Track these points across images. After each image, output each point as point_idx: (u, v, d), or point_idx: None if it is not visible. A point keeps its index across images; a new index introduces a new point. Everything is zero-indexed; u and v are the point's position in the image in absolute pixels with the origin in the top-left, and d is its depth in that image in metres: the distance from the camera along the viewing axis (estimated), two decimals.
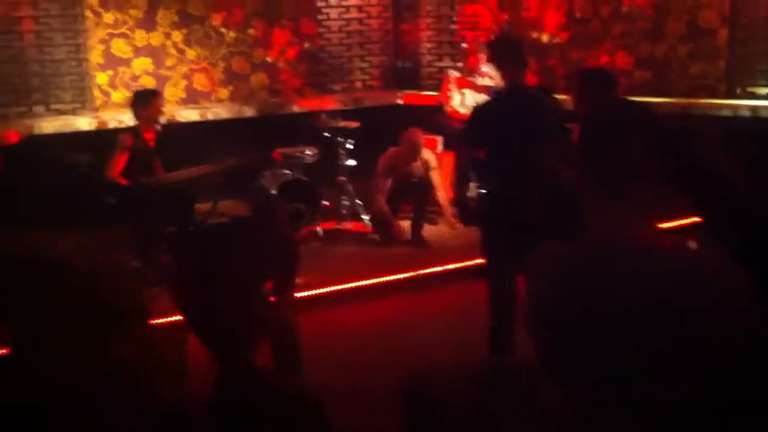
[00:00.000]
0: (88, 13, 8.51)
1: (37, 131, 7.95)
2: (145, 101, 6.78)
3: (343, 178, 7.71)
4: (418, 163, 7.58)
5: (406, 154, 7.53)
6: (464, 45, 9.01)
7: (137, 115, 6.72)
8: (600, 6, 8.56)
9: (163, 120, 7.04)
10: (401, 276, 6.47)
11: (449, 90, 7.96)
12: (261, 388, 1.99)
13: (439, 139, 8.30)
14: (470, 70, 7.96)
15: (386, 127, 8.59)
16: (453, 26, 9.45)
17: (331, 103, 8.89)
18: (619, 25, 8.47)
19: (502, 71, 4.82)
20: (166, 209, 6.74)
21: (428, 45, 9.74)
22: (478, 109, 5.01)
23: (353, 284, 6.29)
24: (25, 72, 8.39)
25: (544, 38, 8.99)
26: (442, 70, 9.28)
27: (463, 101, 7.90)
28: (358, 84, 9.79)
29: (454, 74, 8.04)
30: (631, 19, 8.38)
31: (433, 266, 6.62)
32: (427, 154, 7.60)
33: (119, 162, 6.57)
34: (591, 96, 4.40)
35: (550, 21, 8.88)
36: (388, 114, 9.05)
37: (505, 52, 4.77)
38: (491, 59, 5.38)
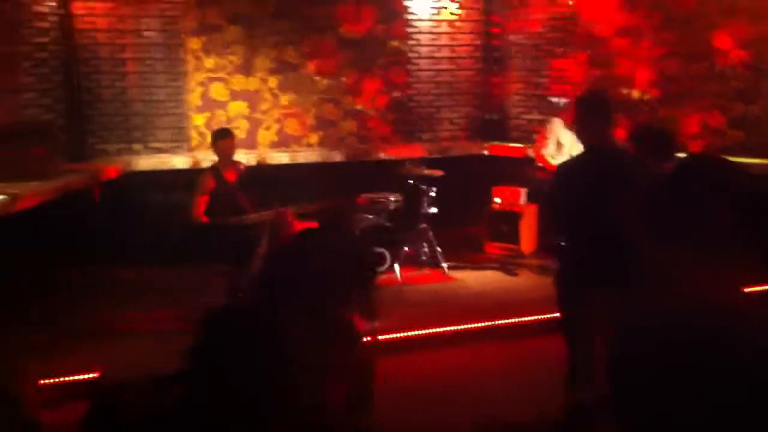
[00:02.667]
0: (190, 57, 8.91)
1: (134, 168, 8.31)
2: (213, 140, 7.07)
3: (425, 225, 7.79)
4: None
5: None
6: (554, 99, 9.03)
7: (215, 153, 7.00)
8: (692, 64, 8.47)
9: (251, 161, 7.29)
10: (479, 325, 6.45)
11: (546, 138, 7.93)
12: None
13: (523, 191, 8.32)
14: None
15: (471, 176, 8.68)
16: (542, 80, 9.52)
17: (418, 152, 9.02)
18: (711, 84, 8.36)
19: (588, 127, 4.81)
20: (248, 248, 6.91)
21: (516, 97, 9.82)
22: (562, 165, 5.03)
23: (428, 331, 6.31)
24: (127, 111, 8.81)
25: (635, 95, 8.94)
26: (530, 122, 9.32)
27: (557, 152, 7.90)
28: (445, 134, 9.91)
29: (557, 121, 7.97)
30: (724, 78, 8.27)
31: (512, 317, 6.58)
32: None
33: (201, 202, 6.80)
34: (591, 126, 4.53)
35: (641, 77, 8.83)
36: (474, 164, 9.12)
37: (592, 108, 4.78)
38: (577, 115, 5.37)
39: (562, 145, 7.88)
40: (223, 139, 7.03)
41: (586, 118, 4.82)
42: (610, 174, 4.49)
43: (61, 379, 5.23)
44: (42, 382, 5.04)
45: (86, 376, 5.30)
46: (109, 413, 2.13)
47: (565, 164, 5.04)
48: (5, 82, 7.23)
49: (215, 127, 8.97)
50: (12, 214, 6.05)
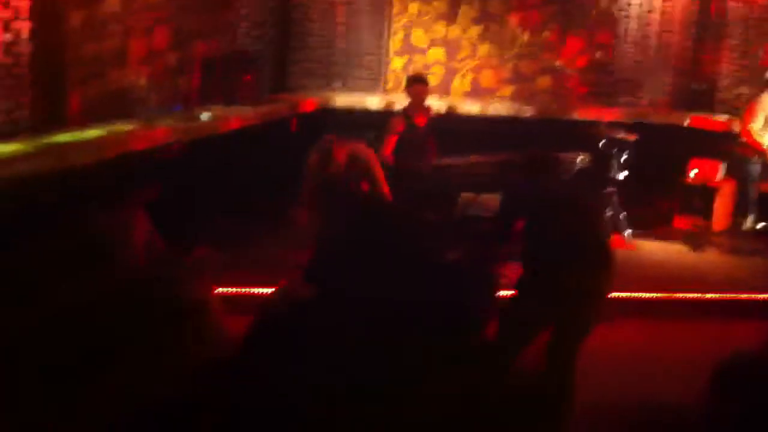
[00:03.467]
0: (396, 2, 9.05)
1: (331, 104, 8.61)
2: (408, 84, 7.16)
3: (612, 189, 7.57)
4: None
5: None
6: None
7: (408, 97, 7.11)
8: None
9: (442, 109, 7.37)
10: (652, 295, 6.22)
11: (755, 113, 7.53)
12: None
13: (722, 166, 7.92)
14: None
15: (668, 146, 8.33)
16: (759, 53, 8.92)
17: (615, 116, 8.73)
18: None
19: None
20: (430, 195, 7.03)
21: (727, 68, 9.26)
22: None
23: None
24: (331, 49, 9.11)
25: None
26: (739, 96, 8.79)
27: (765, 129, 7.48)
28: (646, 100, 9.52)
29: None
30: None
31: (692, 293, 6.30)
32: None
33: (389, 143, 6.96)
34: None
35: None
36: (673, 134, 8.73)
37: None
38: None
39: None
40: (417, 84, 7.13)
41: None
42: None
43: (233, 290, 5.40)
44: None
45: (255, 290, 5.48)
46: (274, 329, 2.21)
47: None
48: (221, 15, 7.66)
49: (412, 71, 9.13)
50: (217, 135, 6.47)
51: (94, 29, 5.76)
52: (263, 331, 2.16)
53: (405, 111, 7.16)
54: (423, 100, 7.13)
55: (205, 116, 6.43)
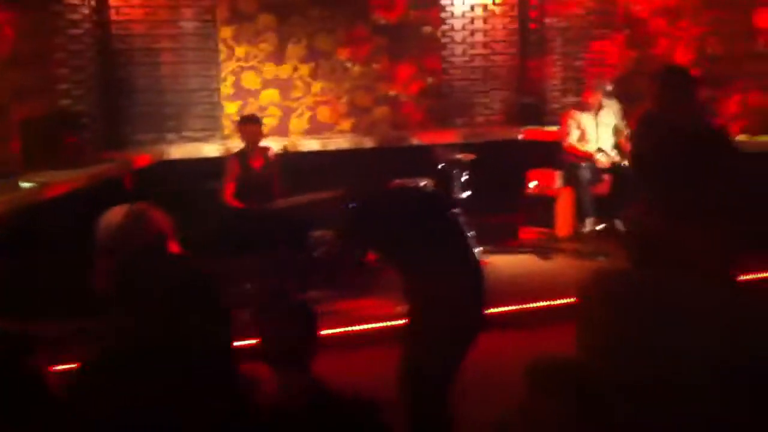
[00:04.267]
0: (222, 47, 8.93)
1: (167, 156, 8.35)
2: (239, 126, 7.12)
3: (456, 210, 7.67)
4: None
5: None
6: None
7: (241, 139, 7.03)
8: (734, 44, 8.22)
9: (278, 148, 7.32)
10: (508, 308, 6.32)
11: (568, 125, 7.93)
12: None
13: (558, 175, 8.19)
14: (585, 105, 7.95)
15: (506, 161, 8.55)
16: (579, 63, 9.35)
17: (452, 137, 8.91)
18: (753, 64, 8.10)
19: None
20: (279, 235, 6.92)
21: (554, 81, 9.65)
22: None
23: None
24: (161, 100, 8.87)
25: None
26: (566, 106, 9.16)
27: (582, 137, 7.85)
28: (481, 119, 9.78)
29: (576, 111, 7.98)
30: (766, 57, 8.01)
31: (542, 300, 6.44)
32: None
33: (228, 187, 6.84)
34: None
35: (680, 58, 8.60)
36: (509, 149, 8.98)
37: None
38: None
39: (585, 132, 7.83)
40: (248, 124, 7.06)
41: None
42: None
43: None
44: None
45: None
46: None
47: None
48: (39, 74, 7.31)
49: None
50: (42, 201, 6.11)
51: None
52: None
53: (240, 153, 7.06)
54: (257, 140, 7.05)
55: (26, 184, 6.06)
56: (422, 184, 7.67)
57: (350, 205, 4.33)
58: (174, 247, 3.13)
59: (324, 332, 5.87)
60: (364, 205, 4.21)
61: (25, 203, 5.86)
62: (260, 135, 7.12)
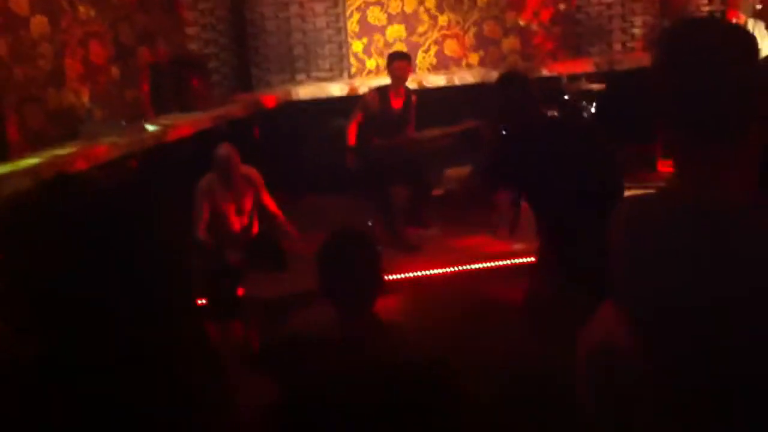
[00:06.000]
0: None
1: (293, 97, 8.40)
2: (388, 62, 6.97)
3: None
4: None
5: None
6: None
7: (389, 76, 6.91)
8: None
9: (413, 85, 7.25)
10: None
11: None
12: None
13: None
14: None
15: (640, 89, 8.05)
16: None
17: (585, 66, 8.47)
18: None
19: None
20: (396, 171, 6.86)
21: (699, 2, 8.96)
22: None
23: None
24: (288, 41, 8.91)
25: None
26: None
27: None
28: (618, 46, 9.24)
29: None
30: None
31: None
32: None
33: (354, 120, 6.82)
34: None
35: None
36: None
37: None
38: None
39: None
40: (397, 60, 6.90)
41: None
42: None
43: None
44: None
45: None
46: None
47: None
48: (167, 18, 7.48)
49: (374, 52, 8.92)
50: (167, 143, 6.29)
51: (23, 52, 5.59)
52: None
53: (381, 89, 6.92)
54: (405, 77, 6.90)
55: (151, 127, 6.24)
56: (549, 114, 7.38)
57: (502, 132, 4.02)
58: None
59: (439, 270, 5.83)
60: (516, 134, 3.81)
61: (150, 145, 6.04)
62: (409, 72, 6.98)
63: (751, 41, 1.51)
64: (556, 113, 7.20)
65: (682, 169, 1.51)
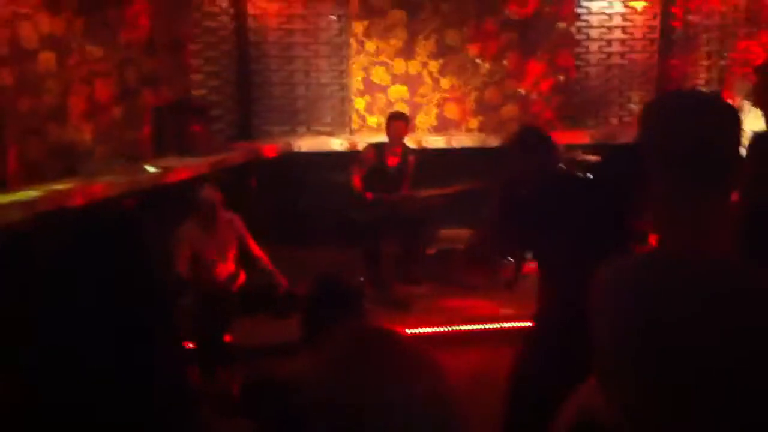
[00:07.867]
0: (353, 42, 8.99)
1: (294, 148, 8.49)
2: (388, 121, 7.14)
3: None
4: None
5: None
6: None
7: (387, 134, 7.09)
8: None
9: (413, 145, 7.41)
10: None
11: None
12: None
13: None
14: None
15: (638, 164, 8.15)
16: (723, 62, 8.80)
17: (581, 138, 8.59)
18: None
19: None
20: (395, 227, 6.94)
21: (696, 81, 9.13)
22: None
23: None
24: (292, 94, 9.04)
25: None
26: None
27: None
28: (614, 120, 9.39)
29: None
30: None
31: None
32: None
33: (356, 173, 6.94)
34: None
35: None
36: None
37: None
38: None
39: None
40: (395, 120, 7.11)
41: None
42: None
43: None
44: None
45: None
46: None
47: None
48: (173, 63, 7.59)
49: (375, 110, 9.05)
50: (166, 185, 6.33)
51: (29, 85, 5.67)
52: None
53: (378, 146, 7.13)
54: (401, 136, 7.10)
55: (151, 168, 6.30)
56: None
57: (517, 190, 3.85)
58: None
59: (427, 330, 5.82)
60: (541, 191, 3.61)
61: (147, 186, 6.08)
62: (405, 132, 7.18)
63: (727, 108, 1.59)
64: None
65: (666, 230, 1.55)
